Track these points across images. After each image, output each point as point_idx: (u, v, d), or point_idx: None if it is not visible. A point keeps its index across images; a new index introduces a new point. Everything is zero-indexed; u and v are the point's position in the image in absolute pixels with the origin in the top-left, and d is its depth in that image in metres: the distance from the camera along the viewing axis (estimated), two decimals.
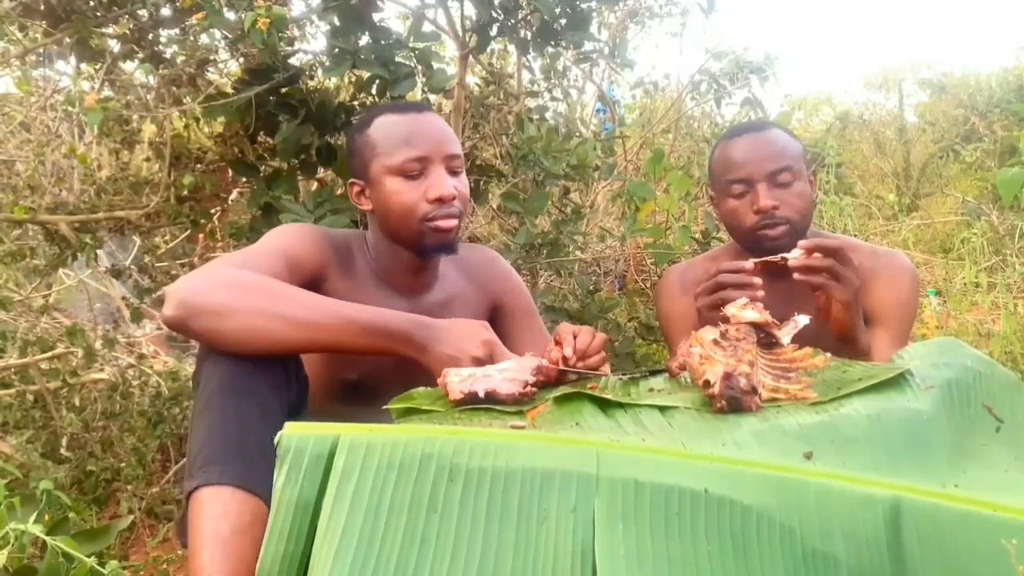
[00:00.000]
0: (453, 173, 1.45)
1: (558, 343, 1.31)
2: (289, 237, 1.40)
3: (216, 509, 1.06)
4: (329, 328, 1.21)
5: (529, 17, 2.43)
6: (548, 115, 3.18)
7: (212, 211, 2.52)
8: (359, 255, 1.50)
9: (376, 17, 2.21)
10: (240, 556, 1.03)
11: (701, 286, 1.44)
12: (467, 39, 2.51)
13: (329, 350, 1.25)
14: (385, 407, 1.11)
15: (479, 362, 1.23)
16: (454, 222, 1.43)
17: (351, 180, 1.50)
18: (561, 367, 1.23)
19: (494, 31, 2.43)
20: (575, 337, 1.29)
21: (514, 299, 1.66)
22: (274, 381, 1.18)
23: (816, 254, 1.37)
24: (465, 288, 1.60)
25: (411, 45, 2.27)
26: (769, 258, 1.42)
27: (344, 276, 1.46)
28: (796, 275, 1.36)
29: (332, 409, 1.45)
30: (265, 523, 1.07)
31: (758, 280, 1.37)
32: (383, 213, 1.46)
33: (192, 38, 2.32)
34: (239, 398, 1.14)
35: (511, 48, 3.29)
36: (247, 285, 1.21)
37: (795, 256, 1.39)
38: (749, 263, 1.41)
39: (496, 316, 1.63)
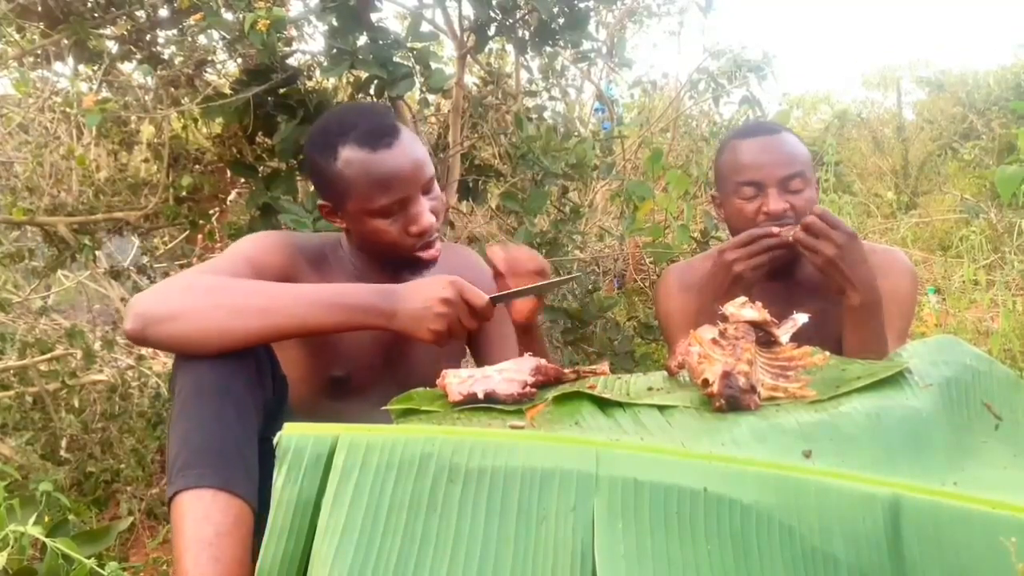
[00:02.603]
0: (428, 192, 1.41)
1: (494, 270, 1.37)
2: (253, 244, 1.38)
3: (198, 512, 1.05)
4: (291, 311, 1.19)
5: (527, 17, 2.44)
6: (546, 114, 3.18)
7: (211, 212, 2.53)
8: (334, 259, 1.48)
9: (374, 17, 2.21)
10: (225, 557, 1.03)
11: (738, 250, 1.47)
12: (465, 39, 2.51)
13: (298, 334, 1.23)
14: (384, 407, 1.11)
15: (449, 303, 1.22)
16: (437, 246, 1.42)
17: (320, 202, 1.45)
18: (561, 369, 1.23)
19: (492, 31, 2.43)
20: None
21: None
22: (248, 380, 1.17)
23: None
24: None
25: (409, 45, 2.27)
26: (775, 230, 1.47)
27: (317, 280, 1.43)
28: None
29: (321, 406, 1.45)
30: (247, 524, 1.07)
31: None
32: (362, 243, 1.44)
33: (190, 39, 2.32)
34: (214, 400, 1.13)
35: (509, 48, 3.29)
36: (199, 286, 1.20)
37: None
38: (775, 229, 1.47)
39: None
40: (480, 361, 1.62)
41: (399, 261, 1.42)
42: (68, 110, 2.18)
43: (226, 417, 1.12)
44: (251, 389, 1.17)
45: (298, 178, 2.34)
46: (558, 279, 1.47)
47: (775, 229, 1.46)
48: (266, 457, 1.09)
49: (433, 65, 2.32)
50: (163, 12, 2.32)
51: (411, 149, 1.38)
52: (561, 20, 2.41)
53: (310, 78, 2.39)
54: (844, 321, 1.46)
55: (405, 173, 1.36)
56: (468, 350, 1.73)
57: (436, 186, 1.44)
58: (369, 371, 1.47)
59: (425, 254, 1.41)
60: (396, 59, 2.21)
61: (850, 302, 1.43)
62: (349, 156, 1.35)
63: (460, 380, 1.10)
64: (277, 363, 1.28)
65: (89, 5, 2.24)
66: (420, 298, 1.23)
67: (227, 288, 1.20)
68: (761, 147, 1.56)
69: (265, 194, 2.23)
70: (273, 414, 1.23)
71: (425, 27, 2.38)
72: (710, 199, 1.75)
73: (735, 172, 1.57)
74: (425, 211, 1.39)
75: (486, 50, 2.99)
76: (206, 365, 1.15)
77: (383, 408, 1.11)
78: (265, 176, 2.29)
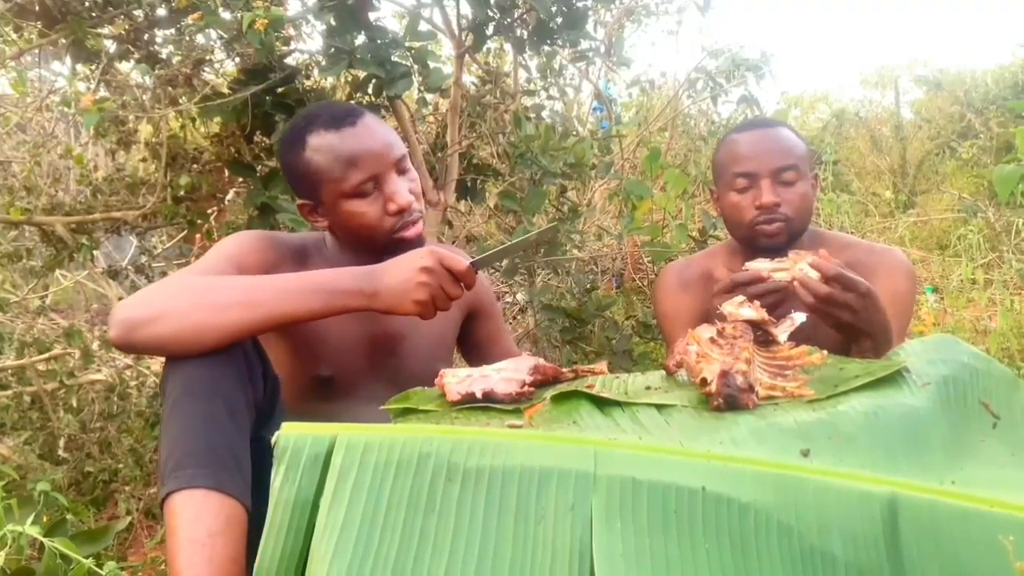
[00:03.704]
0: (402, 173, 1.41)
1: None
2: (235, 243, 1.38)
3: (190, 513, 1.05)
4: (273, 302, 1.19)
5: (525, 16, 2.44)
6: (545, 114, 3.18)
7: (209, 211, 2.52)
8: (317, 256, 1.47)
9: (372, 16, 2.21)
10: (218, 557, 1.03)
11: (719, 287, 1.38)
12: (463, 38, 2.51)
13: (282, 323, 1.22)
14: (379, 407, 1.10)
15: (430, 272, 1.22)
16: (419, 227, 1.41)
17: (299, 202, 1.45)
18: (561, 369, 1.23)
19: (490, 30, 2.43)
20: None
21: (486, 299, 1.66)
22: (238, 380, 1.17)
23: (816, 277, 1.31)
24: None
25: (407, 44, 2.27)
26: (778, 277, 1.36)
27: None
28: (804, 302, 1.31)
29: (309, 408, 1.44)
30: (240, 523, 1.07)
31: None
32: (344, 232, 1.43)
33: (188, 38, 2.32)
34: (205, 400, 1.13)
35: (507, 47, 3.29)
36: (180, 286, 1.20)
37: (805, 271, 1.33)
38: (764, 271, 1.36)
39: (472, 318, 1.63)
40: (479, 363, 1.61)
41: (383, 248, 1.41)
42: (66, 109, 2.18)
43: (217, 417, 1.12)
44: (242, 388, 1.17)
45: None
46: (533, 233, 1.46)
47: (764, 272, 1.36)
48: (259, 456, 1.09)
49: (431, 64, 2.32)
50: (161, 11, 2.32)
51: (377, 128, 1.40)
52: (559, 19, 2.41)
53: (308, 77, 2.39)
54: (851, 355, 1.37)
55: (373, 148, 1.37)
56: (460, 352, 1.73)
57: (411, 168, 1.43)
58: (354, 370, 1.46)
59: (407, 233, 1.39)
60: (394, 58, 2.20)
61: (862, 348, 1.35)
62: (316, 142, 1.37)
63: (458, 380, 1.10)
64: (268, 362, 1.27)
65: (87, 4, 2.23)
66: (400, 271, 1.23)
67: (207, 285, 1.20)
68: (756, 139, 1.60)
69: (263, 193, 2.23)
70: (266, 413, 1.23)
71: (423, 26, 2.38)
72: (710, 193, 1.77)
73: (731, 163, 1.60)
74: (402, 189, 1.38)
75: (484, 49, 2.99)
76: (196, 365, 1.15)
77: (378, 408, 1.11)
78: (263, 175, 2.29)
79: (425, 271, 1.22)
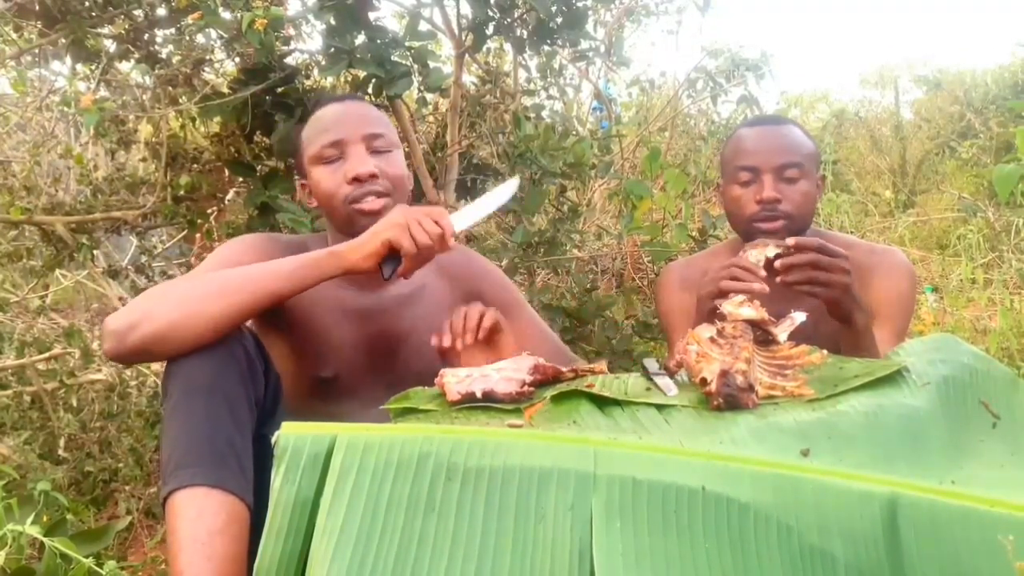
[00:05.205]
0: (376, 152, 1.41)
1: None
2: (234, 248, 1.40)
3: (192, 511, 1.06)
4: (246, 284, 1.21)
5: (525, 15, 2.44)
6: (544, 113, 3.18)
7: (209, 211, 2.52)
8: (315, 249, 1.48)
9: (372, 16, 2.21)
10: (219, 556, 1.03)
11: (710, 276, 1.41)
12: (463, 38, 2.51)
13: (262, 305, 1.23)
14: (378, 408, 1.10)
15: (398, 220, 1.25)
16: (380, 202, 1.38)
17: (301, 182, 1.50)
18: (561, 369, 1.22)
19: (490, 30, 2.43)
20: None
21: (494, 291, 1.59)
22: (239, 378, 1.18)
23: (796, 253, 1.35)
24: (434, 281, 1.54)
25: (407, 44, 2.27)
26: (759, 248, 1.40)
27: None
28: (779, 278, 1.35)
29: (310, 408, 1.45)
30: (241, 521, 1.08)
31: (762, 283, 1.34)
32: (319, 204, 1.46)
33: (188, 38, 2.32)
34: (206, 398, 1.14)
35: (507, 47, 3.29)
36: (161, 290, 1.24)
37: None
38: (752, 259, 1.38)
39: None
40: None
41: (345, 224, 1.41)
42: (66, 109, 2.17)
43: (217, 415, 1.13)
44: (243, 386, 1.17)
45: (296, 177, 2.34)
46: (501, 192, 1.49)
47: (750, 284, 1.34)
48: (261, 455, 1.09)
49: (431, 64, 2.32)
50: (161, 11, 2.32)
51: (359, 106, 1.49)
52: (559, 19, 2.41)
53: (308, 77, 2.39)
54: (844, 342, 1.41)
55: (346, 118, 1.43)
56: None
57: (392, 152, 1.44)
58: (356, 371, 1.46)
59: (363, 205, 1.38)
60: (394, 58, 2.20)
61: (858, 326, 1.38)
62: (312, 117, 1.48)
63: (458, 379, 1.10)
64: (270, 361, 1.28)
65: (87, 4, 2.23)
66: (368, 231, 1.27)
67: (186, 282, 1.24)
68: (763, 135, 1.61)
69: (263, 193, 2.23)
70: (268, 412, 1.23)
71: (423, 26, 2.38)
72: (716, 186, 1.77)
73: (735, 156, 1.61)
74: (364, 159, 1.39)
75: (484, 49, 2.99)
76: (197, 364, 1.16)
77: (378, 409, 1.11)
78: (263, 175, 2.29)
79: (391, 219, 1.26)
